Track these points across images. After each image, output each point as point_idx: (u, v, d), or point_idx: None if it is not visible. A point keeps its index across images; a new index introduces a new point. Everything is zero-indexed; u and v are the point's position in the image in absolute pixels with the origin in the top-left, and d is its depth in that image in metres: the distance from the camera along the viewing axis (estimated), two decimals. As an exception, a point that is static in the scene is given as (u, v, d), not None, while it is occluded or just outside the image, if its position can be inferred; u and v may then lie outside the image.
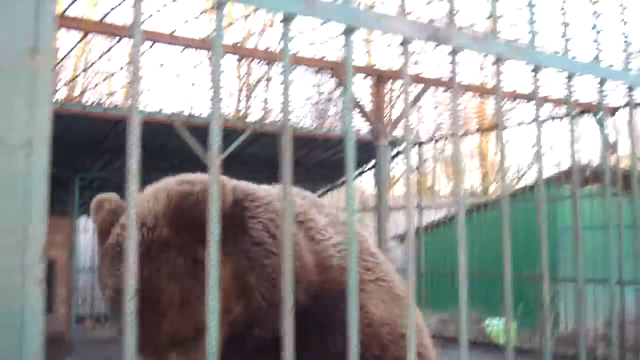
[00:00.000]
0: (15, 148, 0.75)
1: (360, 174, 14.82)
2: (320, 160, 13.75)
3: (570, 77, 1.42)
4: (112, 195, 1.93)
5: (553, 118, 11.53)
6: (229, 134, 9.35)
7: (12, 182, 0.74)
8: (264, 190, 2.06)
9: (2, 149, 0.74)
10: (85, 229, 13.97)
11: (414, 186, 15.01)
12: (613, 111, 10.80)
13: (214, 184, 0.92)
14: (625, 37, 1.71)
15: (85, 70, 16.78)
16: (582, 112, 10.82)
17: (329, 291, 1.94)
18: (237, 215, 1.81)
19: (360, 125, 11.71)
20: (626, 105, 10.08)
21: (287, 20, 0.99)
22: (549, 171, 11.58)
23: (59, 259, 11.80)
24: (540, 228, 1.47)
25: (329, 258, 2.01)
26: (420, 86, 10.08)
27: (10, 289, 0.74)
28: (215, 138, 0.92)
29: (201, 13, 8.68)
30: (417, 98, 10.39)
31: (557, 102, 10.94)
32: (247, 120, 13.16)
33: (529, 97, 10.77)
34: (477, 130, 13.89)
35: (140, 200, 1.75)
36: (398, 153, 13.42)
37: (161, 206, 1.76)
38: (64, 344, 11.53)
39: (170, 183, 1.89)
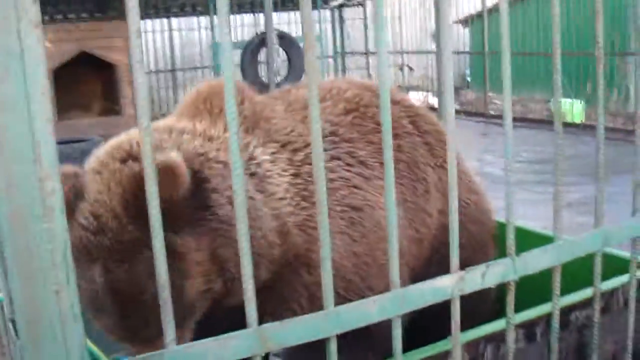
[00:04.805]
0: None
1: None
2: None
3: None
4: (68, 171, 1.61)
5: None
6: None
7: None
8: (214, 145, 1.77)
9: None
10: (146, 31, 14.01)
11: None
12: None
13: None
14: None
15: None
16: None
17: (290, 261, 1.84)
18: (198, 193, 1.60)
19: None
20: None
21: None
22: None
23: (121, 62, 11.53)
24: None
25: (287, 219, 1.83)
26: None
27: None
28: None
29: None
30: None
31: None
32: None
33: None
34: None
35: (92, 192, 1.57)
36: None
37: (117, 199, 1.54)
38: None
39: (112, 162, 1.62)
